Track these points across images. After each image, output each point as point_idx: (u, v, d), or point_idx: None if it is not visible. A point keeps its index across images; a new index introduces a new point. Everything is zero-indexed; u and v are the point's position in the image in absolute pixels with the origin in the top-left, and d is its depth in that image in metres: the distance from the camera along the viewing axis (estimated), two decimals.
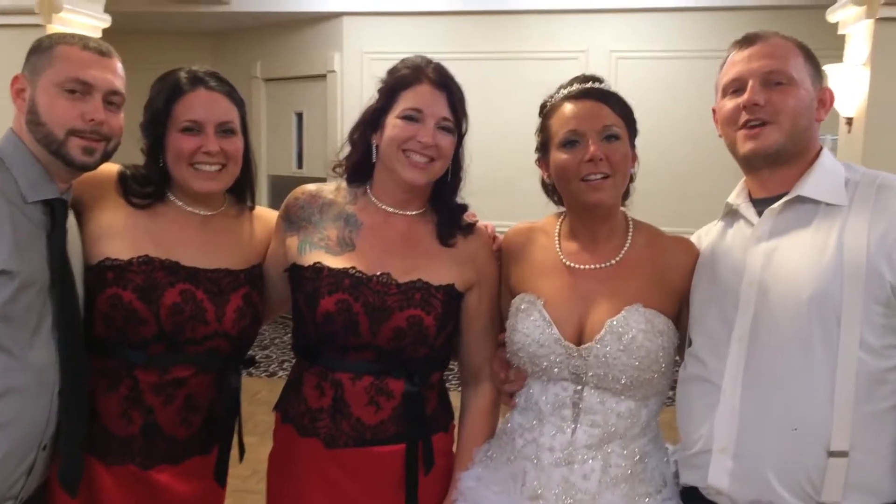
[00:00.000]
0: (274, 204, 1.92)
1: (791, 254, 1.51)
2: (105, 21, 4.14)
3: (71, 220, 1.64)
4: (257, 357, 6.05)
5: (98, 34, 4.04)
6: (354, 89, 6.20)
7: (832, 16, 3.87)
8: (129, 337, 1.64)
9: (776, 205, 1.56)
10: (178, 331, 1.66)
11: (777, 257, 1.52)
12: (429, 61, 1.72)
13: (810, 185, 1.53)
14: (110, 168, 1.74)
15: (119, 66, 1.65)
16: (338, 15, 6.29)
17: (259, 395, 4.84)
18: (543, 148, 1.71)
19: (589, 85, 1.68)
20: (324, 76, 6.49)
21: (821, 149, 1.60)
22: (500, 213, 5.53)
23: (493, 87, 5.82)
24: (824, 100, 1.60)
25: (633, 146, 1.68)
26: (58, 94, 1.56)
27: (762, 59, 1.55)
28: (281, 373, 5.59)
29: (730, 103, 1.58)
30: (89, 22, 4.03)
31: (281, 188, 6.68)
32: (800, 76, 1.55)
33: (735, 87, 1.58)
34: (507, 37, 6.06)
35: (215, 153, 1.69)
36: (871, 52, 3.49)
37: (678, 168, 5.58)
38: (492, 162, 5.06)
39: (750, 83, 1.54)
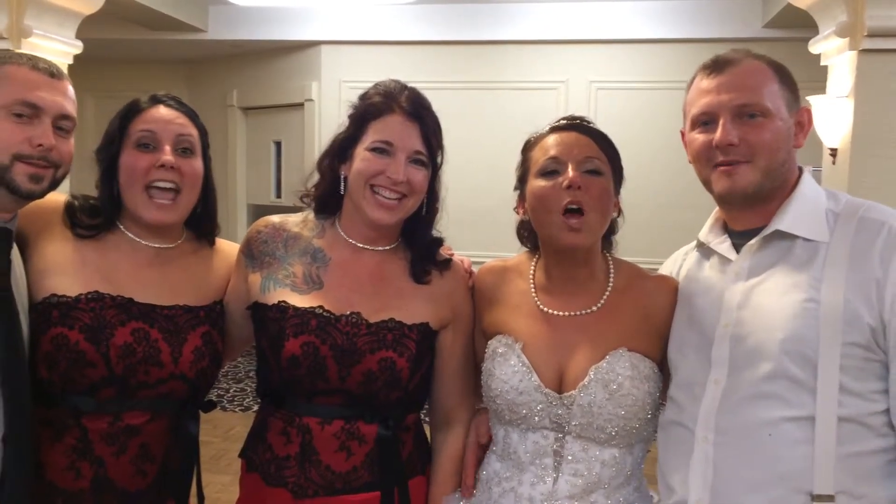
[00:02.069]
0: None
1: (767, 294, 1.43)
2: (77, 47, 4.06)
3: (14, 253, 1.52)
4: (231, 391, 5.91)
5: (69, 61, 3.96)
6: (332, 118, 6.14)
7: (815, 47, 3.87)
8: (76, 381, 1.52)
9: (754, 241, 1.47)
10: (130, 374, 1.53)
11: (754, 297, 1.44)
12: (403, 87, 1.62)
13: (789, 219, 1.45)
14: (56, 197, 1.62)
15: (70, 88, 1.55)
16: (316, 44, 6.26)
17: (233, 431, 4.67)
18: (521, 182, 1.62)
19: (576, 121, 1.61)
20: (301, 105, 6.44)
21: (800, 175, 1.51)
22: (477, 244, 5.50)
23: (471, 116, 5.79)
24: (802, 122, 1.49)
25: (616, 192, 1.60)
26: (4, 116, 1.45)
27: (733, 90, 1.43)
28: (256, 407, 5.43)
29: (701, 137, 1.48)
30: (60, 48, 3.94)
31: (260, 217, 6.59)
32: (775, 105, 1.44)
33: (705, 119, 1.47)
34: (486, 67, 6.05)
35: (170, 166, 1.57)
36: (855, 83, 3.48)
37: (657, 199, 5.56)
38: (469, 192, 5.02)
39: (721, 120, 1.44)
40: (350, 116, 1.64)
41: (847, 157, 3.53)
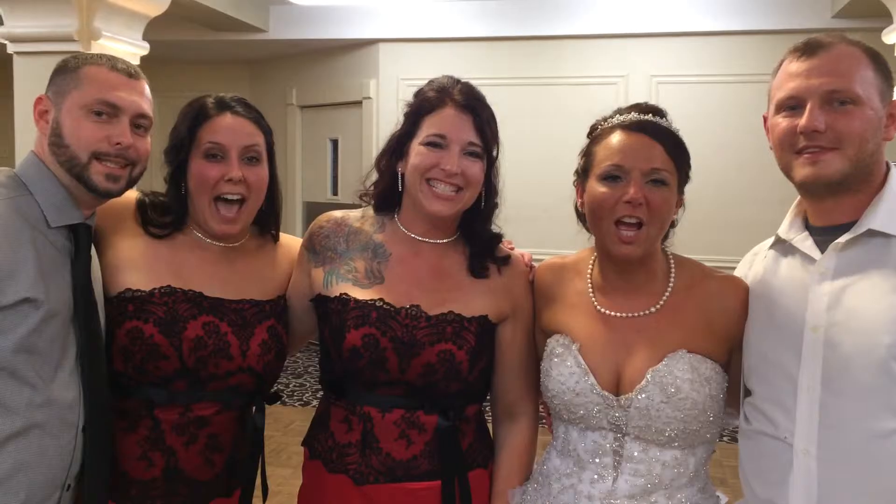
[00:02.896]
0: None
1: (863, 295, 1.35)
2: (143, 49, 4.17)
3: (93, 249, 1.58)
4: (290, 386, 6.00)
5: (136, 62, 4.07)
6: (390, 115, 6.13)
7: (889, 37, 3.73)
8: (150, 373, 1.57)
9: (842, 239, 1.39)
10: (201, 366, 1.58)
11: (846, 299, 1.36)
12: (456, 81, 1.63)
13: (881, 217, 1.36)
14: (128, 195, 1.68)
15: (147, 88, 1.60)
16: (374, 42, 6.30)
17: (293, 426, 4.72)
18: (583, 173, 1.58)
19: (647, 117, 1.53)
20: (359, 102, 6.49)
21: (888, 170, 1.43)
22: (534, 241, 5.46)
23: (530, 113, 5.76)
24: (895, 114, 1.40)
25: (681, 192, 1.54)
26: (83, 115, 1.50)
27: (823, 75, 1.36)
28: (315, 402, 5.52)
29: (784, 122, 1.41)
30: (128, 49, 4.06)
31: (316, 215, 6.57)
32: (867, 93, 1.35)
33: (791, 104, 1.40)
34: (544, 62, 6.00)
35: (238, 180, 1.61)
36: None
37: (721, 195, 5.42)
38: (526, 189, 4.98)
39: (809, 105, 1.37)
40: (405, 114, 1.65)
41: None
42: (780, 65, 1.45)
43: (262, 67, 7.36)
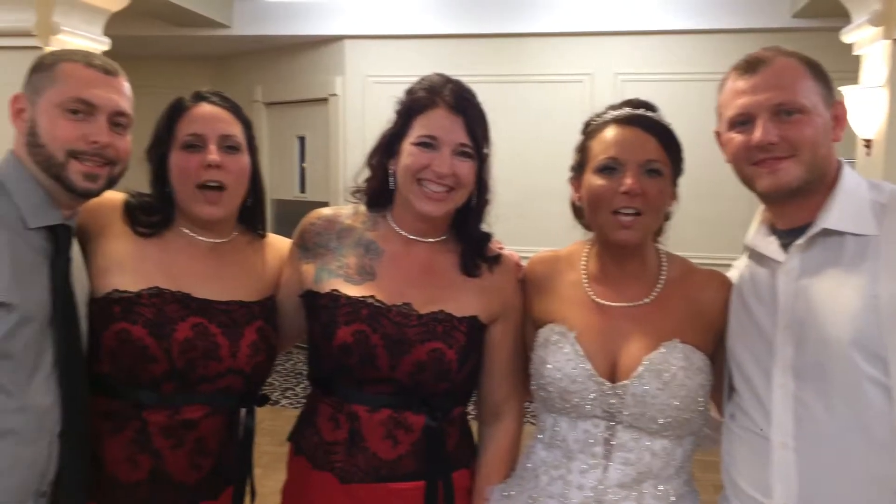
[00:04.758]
0: (278, 228, 1.83)
1: (825, 293, 1.40)
2: (104, 44, 4.09)
3: (75, 250, 1.54)
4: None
5: None
6: (356, 112, 6.16)
7: (847, 37, 3.81)
8: (139, 376, 1.54)
9: (801, 240, 1.45)
10: (191, 368, 1.55)
11: (810, 297, 1.42)
12: (447, 81, 1.63)
13: (834, 216, 1.42)
14: (115, 196, 1.66)
15: (126, 85, 1.56)
16: (340, 38, 6.26)
17: (262, 425, 4.64)
18: (579, 168, 1.61)
19: (640, 112, 1.57)
20: (325, 99, 6.45)
21: (839, 168, 1.49)
22: (504, 237, 5.50)
23: (496, 110, 5.65)
24: (839, 116, 1.47)
25: (674, 184, 1.58)
26: (59, 114, 1.46)
27: (769, 89, 1.42)
28: (284, 401, 5.48)
29: (739, 138, 1.46)
30: (88, 45, 3.98)
31: (284, 212, 6.62)
32: (811, 101, 1.42)
33: (742, 120, 1.46)
34: (510, 60, 6.02)
35: (216, 164, 1.58)
36: (890, 72, 3.42)
37: (687, 191, 5.47)
38: (495, 186, 4.99)
39: (759, 120, 1.42)
40: (396, 112, 1.65)
41: (883, 148, 3.48)
42: (724, 83, 1.51)
43: (226, 64, 7.27)
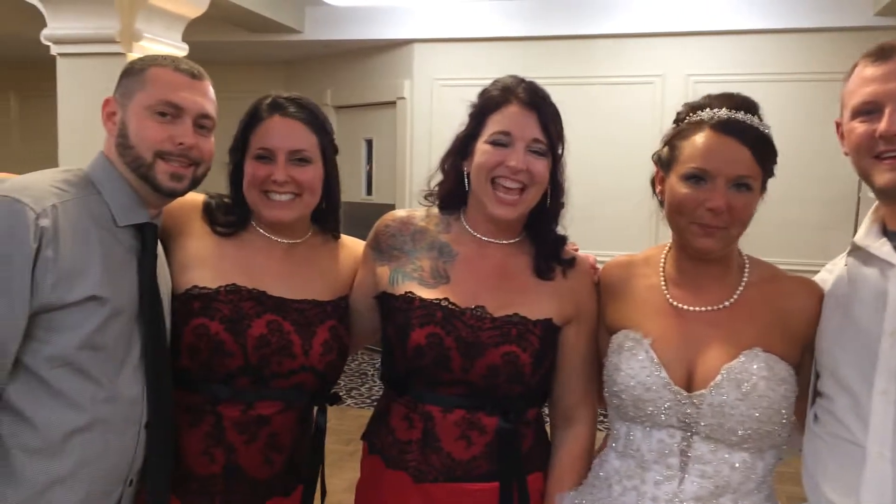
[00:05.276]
0: (345, 230, 1.86)
1: None
2: (183, 50, 4.21)
3: (159, 248, 1.60)
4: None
5: None
6: (424, 115, 6.19)
7: None
8: (215, 370, 1.59)
9: None
10: (265, 364, 1.59)
11: None
12: (520, 80, 1.62)
13: None
14: (196, 197, 1.71)
15: (210, 88, 1.62)
16: (408, 42, 6.30)
17: (327, 424, 4.75)
18: (665, 165, 1.54)
19: (739, 116, 1.46)
20: (393, 103, 6.49)
21: None
22: (573, 240, 5.43)
23: (566, 112, 5.66)
24: None
25: (764, 189, 1.50)
26: (148, 116, 1.53)
27: None
28: (349, 400, 5.55)
29: (862, 127, 1.39)
30: (168, 51, 4.09)
31: (351, 214, 6.67)
32: None
33: (868, 109, 1.39)
34: (580, 62, 5.96)
35: (283, 182, 1.62)
36: None
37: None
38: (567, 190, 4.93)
39: (888, 109, 1.35)
40: (470, 114, 1.65)
41: None
42: (853, 70, 1.44)
43: (297, 68, 7.41)
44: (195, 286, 1.61)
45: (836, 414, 1.42)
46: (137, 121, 1.53)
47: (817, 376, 1.50)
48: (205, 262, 1.65)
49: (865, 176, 1.43)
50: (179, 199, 1.63)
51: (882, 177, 1.38)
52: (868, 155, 1.40)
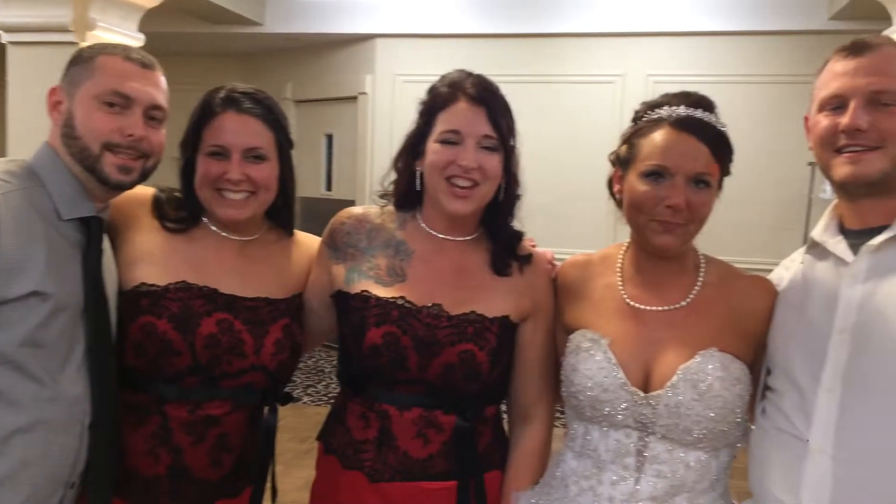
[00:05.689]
0: (303, 225, 1.83)
1: (892, 298, 1.34)
2: (138, 40, 4.14)
3: (106, 243, 1.55)
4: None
5: None
6: (385, 111, 6.17)
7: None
8: (162, 369, 1.54)
9: (875, 241, 1.38)
10: (214, 363, 1.55)
11: (875, 301, 1.35)
12: (468, 75, 1.60)
13: None
14: (145, 190, 1.66)
15: (162, 79, 1.57)
16: (371, 37, 6.27)
17: (283, 422, 4.68)
18: (624, 163, 1.54)
19: (698, 114, 1.48)
20: (355, 98, 6.46)
21: None
22: (532, 237, 5.47)
23: (527, 110, 5.66)
24: None
25: (719, 187, 1.52)
26: (96, 106, 1.48)
27: (870, 74, 1.35)
28: (305, 398, 5.50)
29: (826, 121, 1.40)
30: (123, 41, 4.01)
31: (310, 210, 6.61)
32: None
33: (834, 103, 1.39)
34: (542, 60, 5.99)
35: (238, 181, 1.58)
36: None
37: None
38: (524, 186, 4.96)
39: (852, 104, 1.36)
40: (419, 112, 1.63)
41: None
42: (825, 65, 1.44)
43: (257, 61, 7.31)
44: (143, 283, 1.57)
45: (784, 409, 1.44)
46: (85, 111, 1.48)
47: (768, 372, 1.52)
48: (153, 259, 1.60)
49: (826, 169, 1.43)
50: (128, 193, 1.58)
51: (840, 170, 1.39)
52: (830, 148, 1.40)
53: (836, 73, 1.39)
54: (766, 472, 1.45)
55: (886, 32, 3.70)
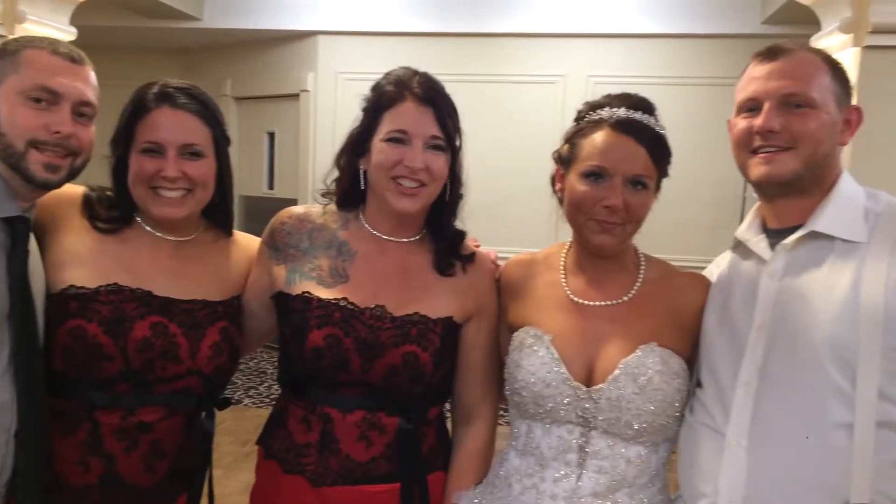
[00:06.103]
0: (246, 225, 1.79)
1: (804, 295, 1.39)
2: (70, 34, 4.00)
3: (32, 244, 1.49)
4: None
5: None
6: (328, 109, 6.10)
7: (817, 44, 3.84)
8: (92, 374, 1.49)
9: (788, 240, 1.44)
10: (148, 368, 1.50)
11: (789, 299, 1.41)
12: (413, 73, 1.59)
13: (825, 219, 1.41)
14: (75, 189, 1.60)
15: (92, 74, 1.51)
16: (313, 34, 6.19)
17: (224, 425, 4.63)
18: (565, 162, 1.56)
19: (637, 116, 1.50)
20: (297, 95, 6.37)
21: (839, 174, 1.47)
22: (475, 237, 5.50)
23: (469, 110, 5.67)
24: (850, 120, 1.46)
25: (657, 188, 1.55)
26: (21, 102, 1.42)
27: (782, 78, 1.41)
28: (246, 400, 5.41)
29: (743, 123, 1.46)
30: (54, 34, 3.88)
31: (252, 209, 6.54)
32: (823, 98, 1.40)
33: (750, 105, 1.45)
34: (484, 60, 6.00)
35: (174, 178, 1.54)
36: (859, 80, 3.46)
37: (662, 196, 5.52)
38: (467, 185, 4.97)
39: (766, 106, 1.42)
40: (364, 109, 1.61)
41: (850, 155, 3.51)
42: (745, 70, 1.49)
43: (196, 56, 7.14)
44: (72, 285, 1.51)
45: (706, 403, 1.48)
46: (9, 107, 1.42)
47: (699, 369, 1.56)
48: (83, 260, 1.54)
49: (743, 169, 1.48)
50: (56, 192, 1.52)
51: (755, 170, 1.44)
52: (746, 149, 1.46)
53: (753, 77, 1.45)
54: (691, 465, 1.49)
55: (816, 37, 3.82)
